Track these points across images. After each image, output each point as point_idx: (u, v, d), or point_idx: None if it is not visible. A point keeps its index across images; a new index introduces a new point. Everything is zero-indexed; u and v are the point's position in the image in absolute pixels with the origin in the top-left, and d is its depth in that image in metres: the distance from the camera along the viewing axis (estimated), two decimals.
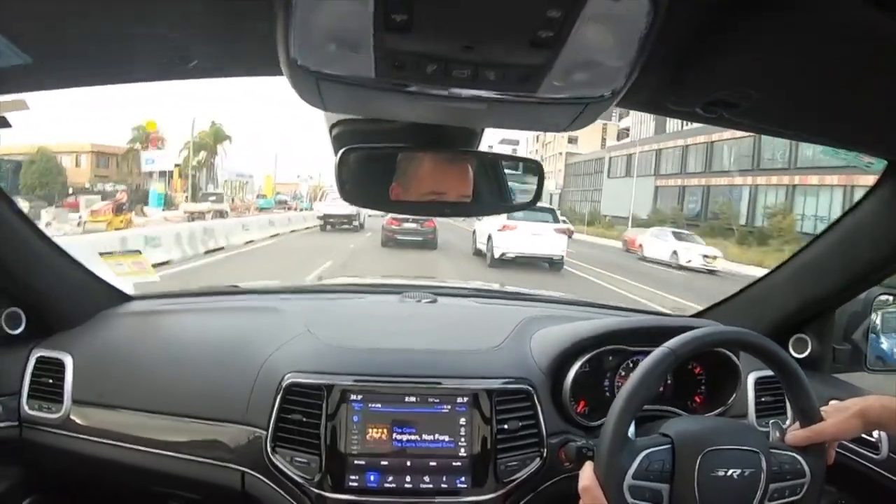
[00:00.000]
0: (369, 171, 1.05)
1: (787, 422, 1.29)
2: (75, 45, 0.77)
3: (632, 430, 0.94)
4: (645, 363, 0.94)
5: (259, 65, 0.84)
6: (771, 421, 1.04)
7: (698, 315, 1.74)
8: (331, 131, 1.13)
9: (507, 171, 1.16)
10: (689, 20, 0.65)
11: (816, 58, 0.71)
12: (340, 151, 1.00)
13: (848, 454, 1.29)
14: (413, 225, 14.07)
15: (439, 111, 0.79)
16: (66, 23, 0.71)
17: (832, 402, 1.02)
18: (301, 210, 38.83)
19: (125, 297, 1.61)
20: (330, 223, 18.70)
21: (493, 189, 1.14)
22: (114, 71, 0.89)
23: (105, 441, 1.29)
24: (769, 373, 1.35)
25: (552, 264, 13.03)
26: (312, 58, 0.64)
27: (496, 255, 12.39)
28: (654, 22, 0.57)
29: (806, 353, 1.49)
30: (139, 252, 1.99)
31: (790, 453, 0.95)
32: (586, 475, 0.91)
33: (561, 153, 58.70)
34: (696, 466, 0.90)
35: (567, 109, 0.75)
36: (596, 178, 50.09)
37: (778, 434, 1.00)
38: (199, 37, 0.76)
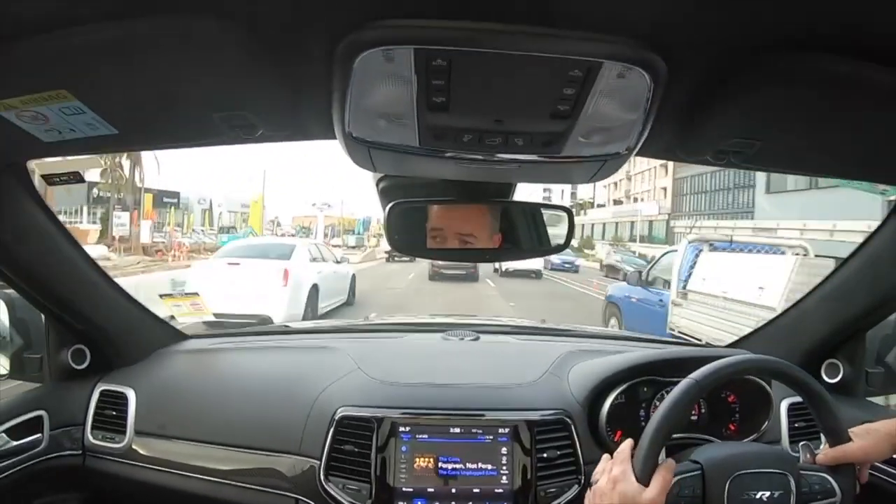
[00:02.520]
0: (412, 221, 1.15)
1: (822, 446, 1.31)
2: (154, 120, 0.87)
3: (662, 457, 0.97)
4: (671, 395, 0.98)
5: (317, 134, 0.93)
6: (801, 443, 1.06)
7: (733, 345, 1.76)
8: (377, 186, 1.23)
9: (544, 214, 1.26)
10: (689, 83, 0.73)
11: (815, 104, 0.77)
12: (388, 206, 1.10)
13: (880, 475, 1.29)
14: (459, 263, 15.27)
15: (475, 171, 0.89)
16: (148, 102, 0.80)
17: (861, 425, 1.03)
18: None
19: (181, 336, 1.70)
20: (393, 257, 22.71)
21: (525, 235, 1.23)
22: (187, 138, 0.98)
23: (165, 470, 1.37)
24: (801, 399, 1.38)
25: (535, 274, 20.97)
26: (365, 131, 0.76)
27: (502, 270, 20.16)
28: (657, 90, 0.67)
29: (838, 378, 1.49)
30: (197, 294, 2.08)
31: (820, 474, 0.98)
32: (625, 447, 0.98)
33: (664, 165, 39.83)
34: (726, 490, 0.94)
35: (588, 166, 0.86)
36: (740, 194, 30.60)
37: (809, 455, 1.02)
38: (259, 110, 0.84)
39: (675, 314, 6.61)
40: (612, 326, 7.76)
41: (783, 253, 5.94)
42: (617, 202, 52.47)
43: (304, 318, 7.96)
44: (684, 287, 6.53)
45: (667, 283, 6.94)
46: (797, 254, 5.70)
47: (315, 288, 8.80)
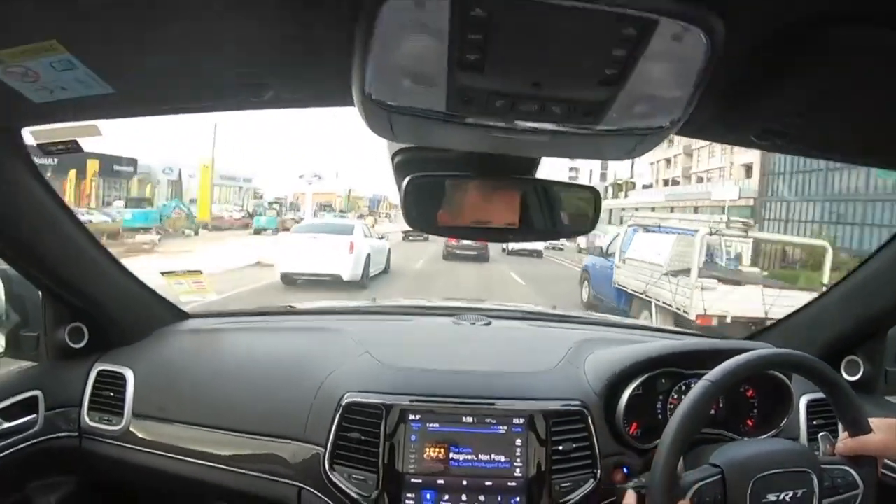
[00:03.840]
0: (430, 197, 1.08)
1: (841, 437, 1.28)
2: (155, 76, 0.80)
3: (681, 467, 0.95)
4: (688, 399, 0.95)
5: (332, 96, 0.87)
6: (820, 434, 1.04)
7: (752, 337, 1.72)
8: (393, 159, 1.16)
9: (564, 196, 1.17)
10: (744, 53, 0.67)
11: (870, 83, 0.72)
12: (405, 180, 1.03)
13: (890, 473, 1.26)
14: (468, 242, 15.99)
15: (502, 142, 0.82)
16: (147, 56, 0.74)
17: (883, 419, 1.00)
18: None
19: (183, 315, 1.66)
20: (409, 237, 23.00)
21: (546, 216, 1.15)
22: (190, 101, 0.93)
23: (164, 454, 1.33)
24: (821, 395, 1.34)
25: (537, 254, 21.52)
26: (386, 92, 0.68)
27: (508, 249, 20.13)
28: (712, 56, 0.60)
29: (858, 376, 1.46)
30: (200, 272, 2.03)
31: (842, 467, 0.96)
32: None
33: None
34: (748, 495, 0.91)
35: (626, 140, 0.78)
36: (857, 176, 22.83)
37: (828, 446, 1.00)
38: (276, 69, 0.79)
39: (617, 274, 9.17)
40: (585, 288, 10.50)
41: (696, 233, 7.94)
42: (671, 182, 42.78)
43: (361, 279, 10.69)
44: (623, 256, 9.11)
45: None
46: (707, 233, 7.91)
47: (368, 257, 11.27)
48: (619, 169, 46.06)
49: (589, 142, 0.79)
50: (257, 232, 25.87)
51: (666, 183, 42.96)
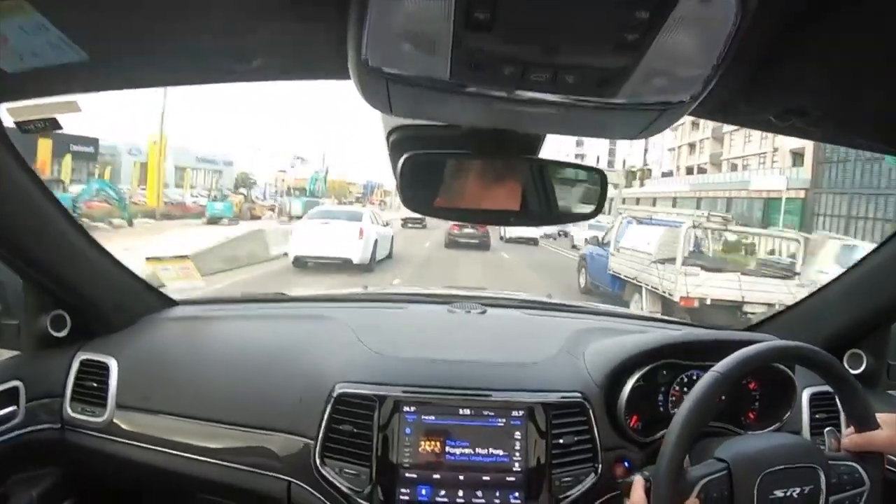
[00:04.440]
0: (427, 177, 1.03)
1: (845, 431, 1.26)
2: (133, 42, 0.75)
3: (687, 462, 0.92)
4: (695, 391, 0.92)
5: (325, 67, 0.82)
6: (826, 430, 1.02)
7: (754, 328, 1.70)
8: (388, 138, 1.11)
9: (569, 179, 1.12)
10: (773, 23, 0.63)
11: None
12: (402, 159, 0.97)
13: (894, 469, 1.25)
14: (471, 230, 17.48)
15: (507, 116, 0.77)
16: (124, 18, 0.69)
17: (890, 413, 0.99)
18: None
19: (170, 302, 1.61)
20: (408, 223, 23.70)
21: (550, 199, 1.10)
22: (171, 71, 0.88)
23: (148, 446, 1.29)
24: (824, 389, 1.33)
25: (533, 242, 22.18)
26: (385, 58, 0.62)
27: (506, 237, 21.05)
28: (741, 23, 0.55)
29: (861, 369, 1.45)
30: (186, 257, 1.99)
31: (849, 463, 0.94)
32: (637, 495, 0.90)
33: None
34: (755, 490, 0.89)
35: (641, 116, 0.73)
36: None
37: (834, 441, 0.98)
38: (264, 36, 0.74)
39: (612, 262, 9.86)
40: (583, 275, 11.29)
41: (681, 224, 8.96)
42: (696, 170, 38.54)
43: (369, 263, 11.49)
44: (617, 246, 9.86)
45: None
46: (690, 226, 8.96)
47: (375, 242, 12.08)
48: (628, 156, 42.60)
49: (600, 117, 0.74)
50: (212, 221, 22.19)
51: (689, 171, 39.44)
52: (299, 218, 23.45)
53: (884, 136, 0.98)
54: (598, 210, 1.09)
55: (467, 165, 1.04)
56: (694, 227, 9.16)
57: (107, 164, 27.52)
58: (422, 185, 1.01)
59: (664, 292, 8.24)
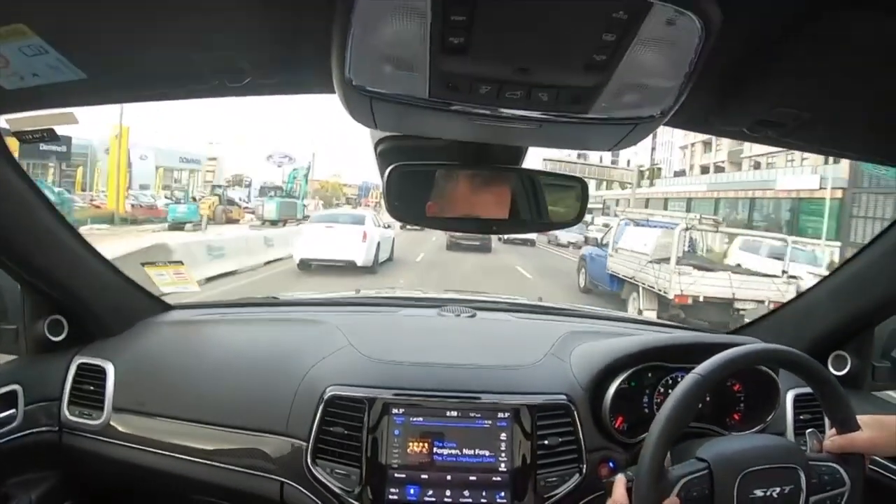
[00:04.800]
0: (413, 187, 1.05)
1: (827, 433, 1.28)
2: (129, 62, 0.78)
3: (668, 461, 0.94)
4: (676, 392, 0.93)
5: (312, 84, 0.85)
6: (808, 431, 1.03)
7: (738, 331, 1.72)
8: (376, 149, 1.14)
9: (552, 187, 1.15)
10: (739, 41, 0.65)
11: (865, 76, 0.71)
12: (388, 169, 1.01)
13: (882, 472, 1.27)
14: (473, 234, 17.07)
15: (488, 130, 0.80)
16: (120, 41, 0.72)
17: (871, 415, 1.00)
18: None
19: (165, 307, 1.63)
20: (407, 226, 23.09)
21: (532, 207, 1.14)
22: (165, 87, 0.90)
23: (145, 448, 1.31)
24: (808, 390, 1.34)
25: (530, 243, 22.44)
26: (367, 78, 0.65)
27: (504, 238, 20.99)
28: (706, 44, 0.58)
29: (845, 371, 1.46)
30: (181, 262, 2.00)
31: (829, 464, 0.95)
32: (618, 492, 0.92)
33: None
34: (735, 490, 0.90)
35: (615, 130, 0.76)
36: None
37: (815, 442, 0.99)
38: (253, 56, 0.77)
39: (610, 262, 10.28)
40: (582, 274, 11.76)
41: (675, 226, 9.38)
42: (712, 168, 36.28)
43: (372, 265, 11.82)
44: (615, 247, 10.32)
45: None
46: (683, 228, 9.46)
47: (378, 245, 12.40)
48: (634, 155, 40.38)
49: (577, 131, 0.77)
50: (175, 226, 19.98)
51: (704, 170, 37.08)
52: (275, 223, 22.72)
53: (856, 145, 1.01)
54: (580, 217, 1.12)
55: (454, 175, 1.07)
56: (687, 229, 9.70)
57: (78, 165, 26.05)
58: (408, 196, 1.05)
59: (660, 290, 8.60)
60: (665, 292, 8.45)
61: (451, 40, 0.57)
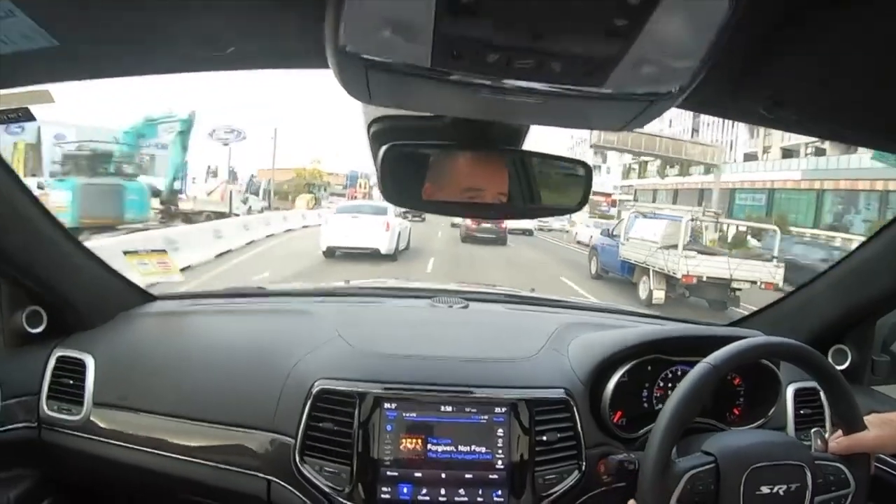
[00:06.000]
0: (409, 169, 1.00)
1: (828, 432, 1.26)
2: (104, 29, 0.73)
3: (674, 454, 0.92)
4: (686, 381, 0.92)
5: (302, 55, 0.80)
6: (813, 430, 1.02)
7: (737, 323, 1.70)
8: (368, 129, 1.09)
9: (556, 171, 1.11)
10: (766, 13, 0.62)
11: (890, 63, 0.67)
12: (383, 149, 0.95)
13: (888, 469, 1.25)
14: (488, 225, 17.47)
15: (491, 106, 0.75)
16: (95, 5, 0.67)
17: (876, 414, 1.00)
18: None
19: (148, 297, 1.58)
20: (407, 215, 24.46)
21: (534, 192, 1.09)
22: (143, 60, 0.86)
23: (126, 445, 1.27)
24: (808, 384, 1.34)
25: (528, 233, 23.02)
26: (364, 44, 0.60)
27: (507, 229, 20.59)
28: (735, 10, 0.53)
29: (846, 365, 1.45)
30: (164, 251, 1.95)
31: (835, 464, 0.94)
32: None
33: None
34: (742, 485, 0.89)
35: (628, 106, 0.71)
36: None
37: (820, 442, 0.98)
38: (238, 22, 0.72)
39: (622, 250, 11.54)
40: (594, 262, 13.07)
41: (681, 218, 10.85)
42: (801, 152, 29.81)
43: (393, 253, 12.65)
44: (627, 236, 11.52)
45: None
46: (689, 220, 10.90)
47: (399, 234, 13.30)
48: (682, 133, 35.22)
49: (587, 107, 0.72)
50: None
51: (787, 153, 30.56)
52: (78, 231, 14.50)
53: (875, 133, 0.97)
54: (584, 203, 1.07)
55: (451, 157, 1.02)
56: (692, 220, 11.16)
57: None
58: (403, 178, 0.99)
59: (669, 272, 10.01)
60: (674, 273, 9.84)
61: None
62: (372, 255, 12.08)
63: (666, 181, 30.58)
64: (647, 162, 33.19)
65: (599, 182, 41.04)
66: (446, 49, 0.58)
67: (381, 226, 12.48)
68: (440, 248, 16.13)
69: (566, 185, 1.09)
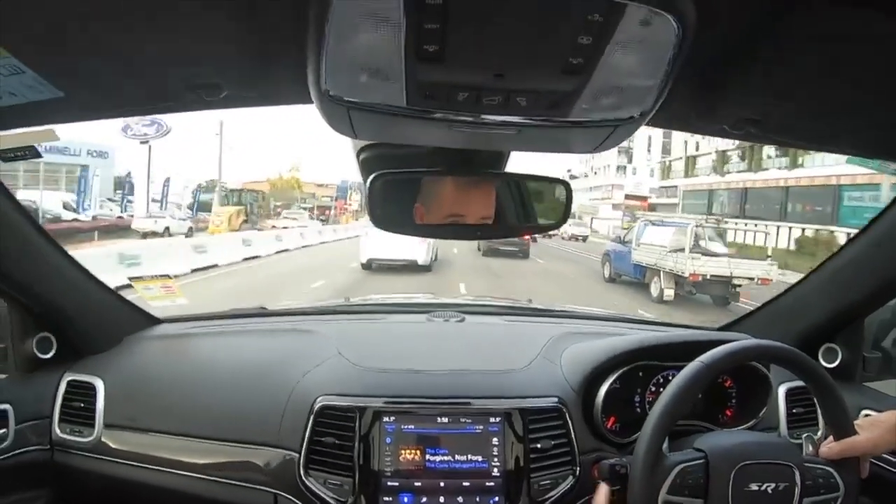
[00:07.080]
0: (397, 195, 1.05)
1: (819, 434, 1.27)
2: (106, 78, 0.77)
3: (665, 444, 0.94)
4: (679, 378, 0.94)
5: (289, 95, 0.84)
6: (804, 434, 1.03)
7: (727, 327, 1.72)
8: (358, 156, 1.13)
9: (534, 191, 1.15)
10: (716, 40, 0.64)
11: (844, 71, 0.70)
12: (370, 178, 1.00)
13: (884, 465, 1.26)
14: (512, 239, 17.10)
15: (469, 136, 0.79)
16: (97, 58, 0.71)
17: (867, 416, 1.02)
18: None
19: (154, 321, 1.62)
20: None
21: (517, 210, 1.14)
22: (143, 102, 0.90)
23: (137, 464, 1.30)
24: (800, 384, 1.35)
25: (522, 255, 21.62)
26: (344, 88, 0.65)
27: (483, 250, 20.53)
28: (683, 44, 0.57)
29: (836, 363, 1.47)
30: (168, 276, 1.99)
31: (824, 467, 0.95)
32: (601, 497, 0.93)
33: None
34: (731, 481, 0.91)
35: (596, 132, 0.75)
36: None
37: (811, 447, 0.99)
38: (228, 69, 0.76)
39: (635, 255, 12.79)
40: (607, 267, 14.35)
41: (687, 225, 12.17)
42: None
43: (429, 264, 13.27)
44: (638, 242, 12.88)
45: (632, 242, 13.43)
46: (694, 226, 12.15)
47: (432, 247, 13.79)
48: (691, 137, 29.31)
49: (557, 135, 0.77)
50: None
51: None
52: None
53: (842, 140, 1.00)
54: (565, 219, 1.11)
55: (437, 183, 1.06)
56: (697, 226, 12.36)
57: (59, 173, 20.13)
58: (393, 204, 1.04)
59: (678, 272, 11.27)
60: (682, 273, 11.09)
61: (425, 48, 0.57)
62: (408, 267, 12.54)
63: (728, 178, 24.90)
64: (694, 157, 29.44)
65: (629, 184, 38.75)
66: (419, 90, 0.63)
67: (419, 238, 12.52)
68: (466, 262, 16.10)
69: (548, 203, 1.14)
